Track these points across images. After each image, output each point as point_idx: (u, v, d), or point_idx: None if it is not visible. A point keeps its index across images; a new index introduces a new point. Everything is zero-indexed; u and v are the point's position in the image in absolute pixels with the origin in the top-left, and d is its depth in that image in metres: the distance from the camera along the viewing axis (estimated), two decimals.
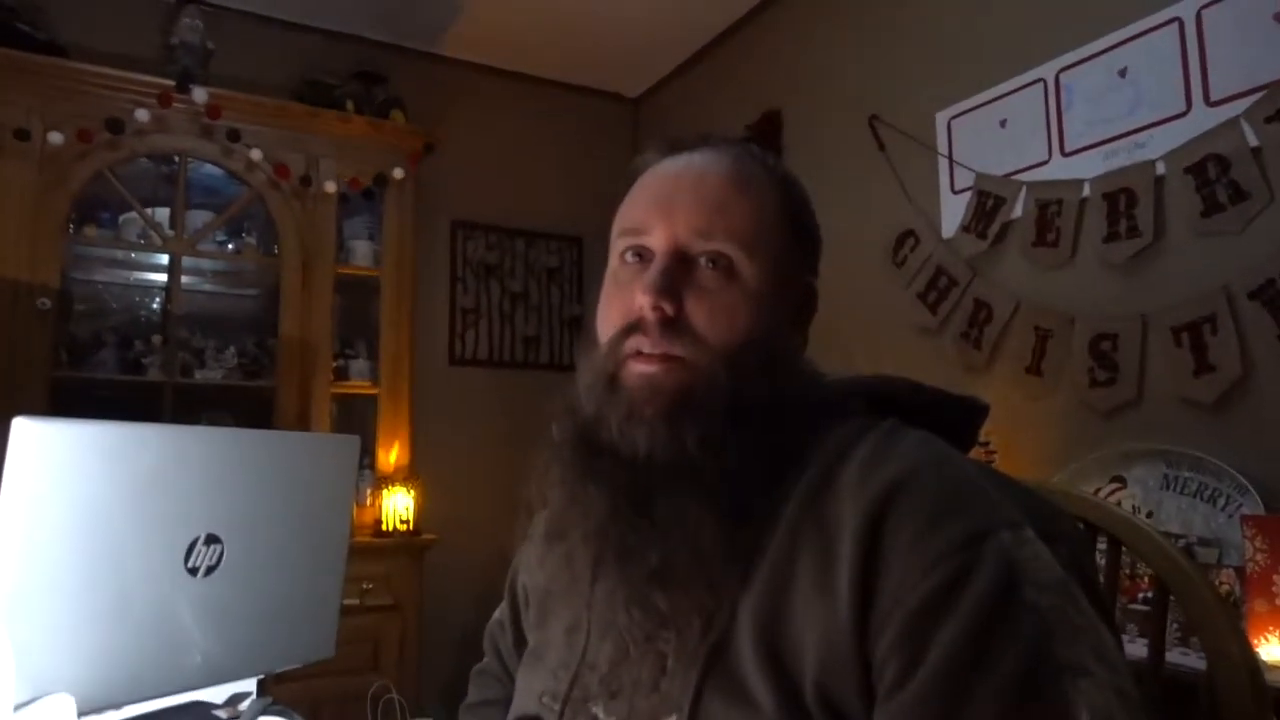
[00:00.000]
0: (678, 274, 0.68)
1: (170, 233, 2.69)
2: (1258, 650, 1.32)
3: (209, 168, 2.77)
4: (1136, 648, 1.27)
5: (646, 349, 0.67)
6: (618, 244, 0.74)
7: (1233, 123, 1.69)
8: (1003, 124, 2.18)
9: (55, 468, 0.68)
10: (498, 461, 3.03)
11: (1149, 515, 1.68)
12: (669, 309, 0.66)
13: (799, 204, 0.76)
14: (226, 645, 0.78)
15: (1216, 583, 1.52)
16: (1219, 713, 0.77)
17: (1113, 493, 1.77)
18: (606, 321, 0.71)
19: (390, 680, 2.39)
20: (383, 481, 2.86)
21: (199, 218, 2.76)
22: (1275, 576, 1.39)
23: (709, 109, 3.33)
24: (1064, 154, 2.03)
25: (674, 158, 0.74)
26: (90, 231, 2.62)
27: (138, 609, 0.71)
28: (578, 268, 3.64)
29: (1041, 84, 2.09)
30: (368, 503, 2.85)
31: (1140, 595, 1.56)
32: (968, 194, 2.24)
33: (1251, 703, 0.75)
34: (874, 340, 2.44)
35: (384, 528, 2.82)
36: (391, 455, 2.90)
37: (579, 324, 3.55)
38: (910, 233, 2.40)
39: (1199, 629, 0.82)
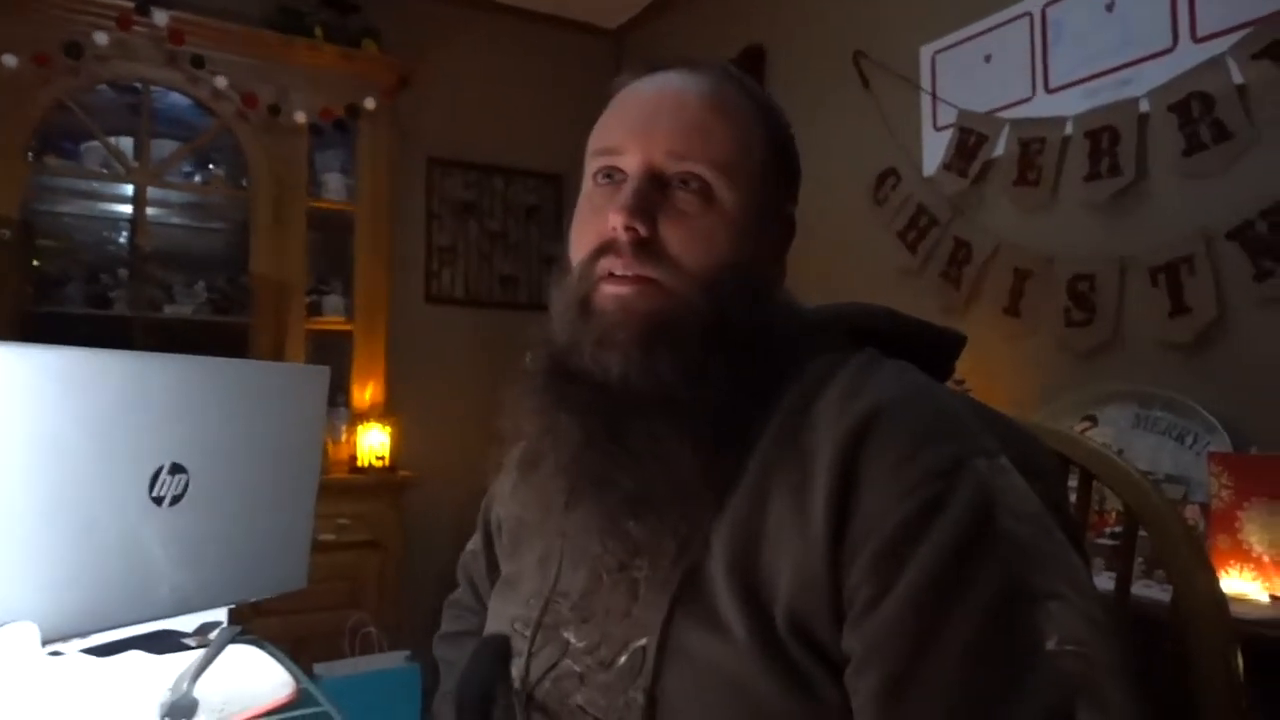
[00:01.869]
0: (652, 195, 0.66)
1: (134, 163, 2.61)
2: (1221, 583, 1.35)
3: (174, 96, 2.69)
4: (1103, 580, 1.30)
5: (619, 270, 0.65)
6: (591, 165, 0.71)
7: (1218, 60, 1.67)
8: (987, 59, 2.14)
9: (15, 394, 0.66)
10: (476, 400, 3.01)
11: (1119, 453, 1.70)
12: (643, 230, 0.64)
13: (779, 130, 0.73)
14: (194, 575, 0.77)
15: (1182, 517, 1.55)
16: (1184, 642, 0.79)
17: (1084, 431, 1.78)
18: (579, 244, 0.69)
19: (370, 615, 2.42)
20: (358, 418, 2.85)
21: (165, 148, 2.69)
22: (1238, 512, 1.41)
23: (690, 42, 3.26)
24: (1048, 90, 2.00)
25: (651, 77, 0.72)
26: (52, 161, 2.55)
27: (102, 538, 0.70)
28: (557, 206, 3.58)
29: (1028, 18, 2.05)
30: (343, 439, 2.84)
31: (1108, 529, 1.59)
32: (950, 131, 2.22)
33: (1216, 633, 0.77)
34: (854, 280, 2.43)
35: (360, 464, 2.82)
36: (367, 392, 2.89)
37: (557, 261, 3.51)
38: (892, 170, 2.38)
39: (1166, 561, 0.83)
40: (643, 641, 0.61)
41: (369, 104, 2.86)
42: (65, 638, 0.69)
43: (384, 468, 2.83)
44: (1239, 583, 1.38)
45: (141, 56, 2.57)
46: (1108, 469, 0.88)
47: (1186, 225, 1.72)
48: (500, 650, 0.69)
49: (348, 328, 2.90)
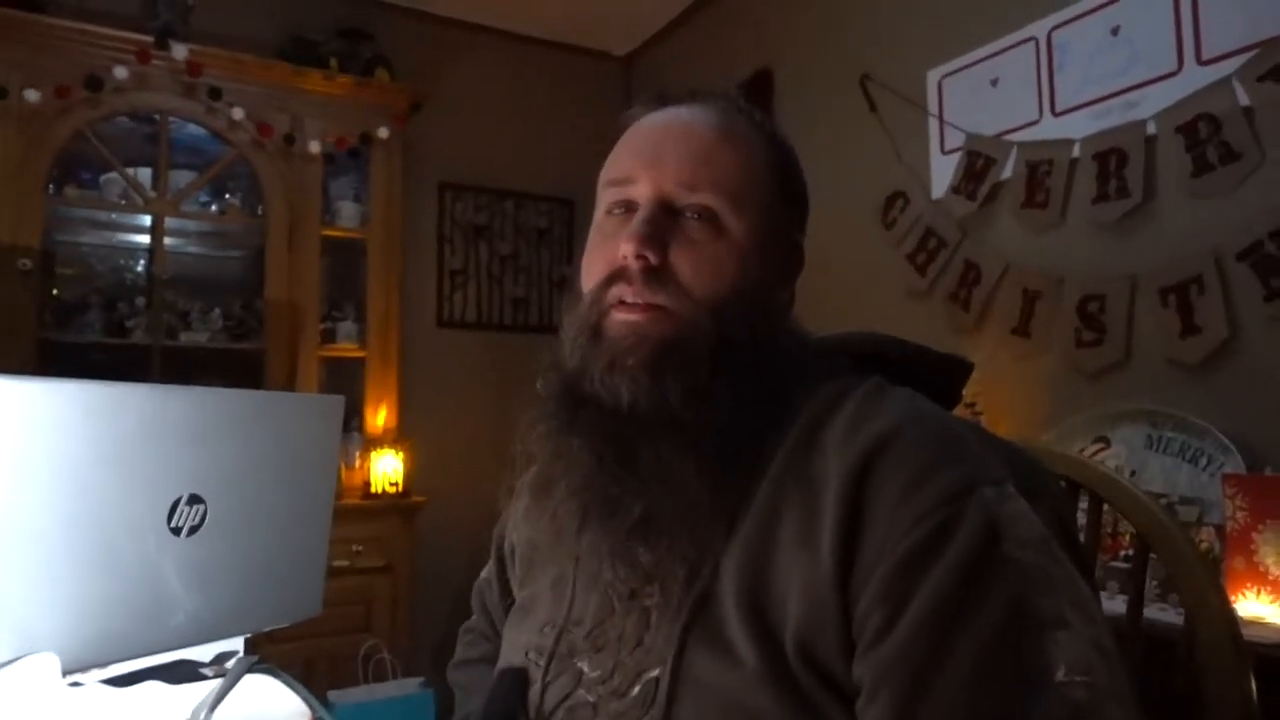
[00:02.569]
0: (663, 224, 0.67)
1: (152, 193, 2.65)
2: (1235, 607, 1.34)
3: (191, 127, 2.73)
4: (1116, 604, 1.29)
5: (629, 298, 0.66)
6: (603, 196, 0.73)
7: (1224, 82, 1.68)
8: (994, 83, 2.16)
9: (34, 427, 0.67)
10: (487, 424, 3.03)
11: (1132, 474, 1.69)
12: (653, 258, 0.66)
13: (787, 160, 0.75)
14: (211, 604, 0.78)
15: (1196, 540, 1.54)
16: (1198, 666, 0.78)
17: (1096, 453, 1.78)
18: (590, 273, 0.71)
19: (382, 641, 2.42)
20: (371, 444, 2.86)
21: (182, 178, 2.73)
22: (1254, 534, 1.40)
23: (700, 67, 3.29)
24: (1055, 114, 2.01)
25: (661, 110, 0.74)
26: (71, 192, 2.58)
27: (121, 569, 0.71)
28: (568, 229, 3.61)
29: (1034, 42, 2.06)
30: (356, 465, 2.86)
31: (1121, 553, 1.58)
32: (958, 154, 2.23)
33: (1231, 656, 0.76)
34: (863, 302, 2.43)
35: (373, 490, 2.83)
36: (380, 417, 2.90)
37: (569, 286, 3.53)
38: (900, 194, 2.39)
39: (1179, 584, 0.83)
40: (655, 672, 0.61)
41: (382, 132, 2.90)
42: (85, 668, 0.70)
43: (397, 493, 2.84)
44: (1255, 605, 1.37)
45: (160, 88, 2.62)
46: (1117, 493, 0.88)
47: (1196, 245, 1.72)
48: (519, 683, 0.69)
49: (361, 354, 2.92)
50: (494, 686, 0.70)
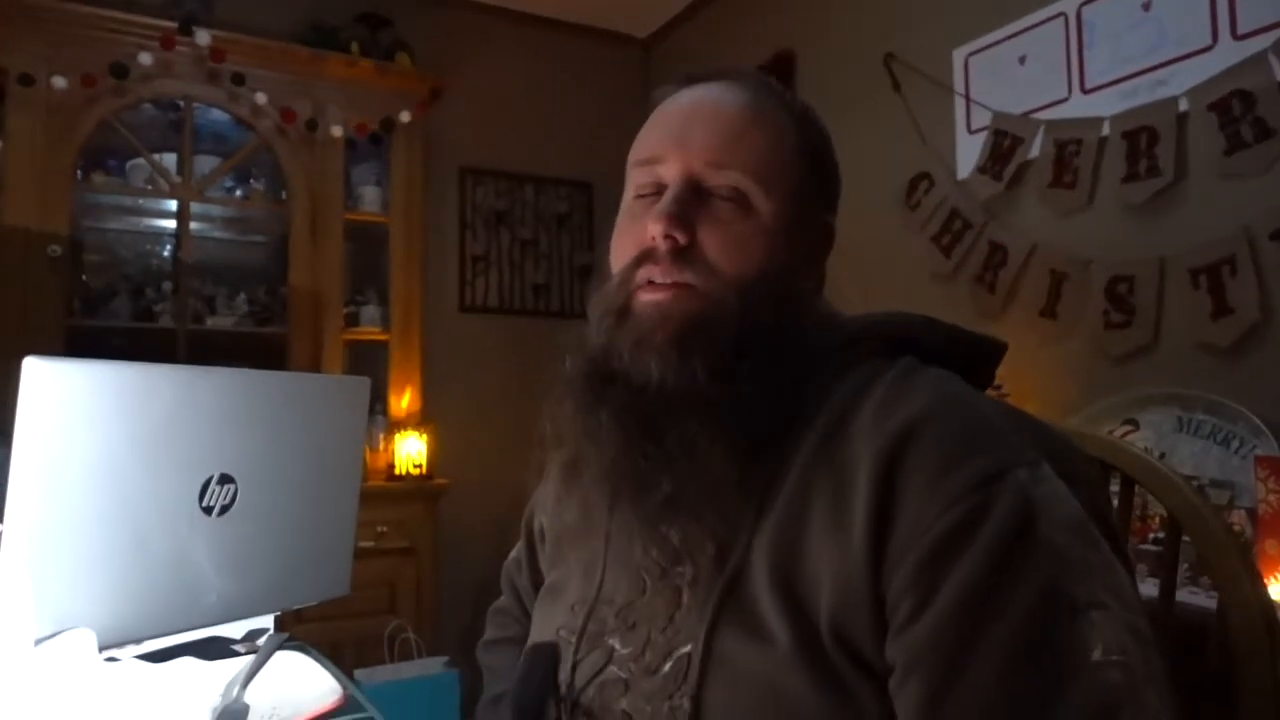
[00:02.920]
0: (691, 204, 0.67)
1: (178, 179, 2.67)
2: (1268, 590, 1.32)
3: (215, 113, 2.75)
4: (1147, 587, 1.28)
5: (658, 278, 0.66)
6: (632, 176, 0.72)
7: (1260, 57, 1.64)
8: (1021, 61, 2.12)
9: (68, 408, 0.68)
10: (510, 408, 3.04)
11: (1161, 457, 1.67)
12: (681, 238, 0.65)
13: (817, 139, 0.74)
14: (242, 583, 0.79)
15: (1229, 524, 1.52)
16: (1230, 650, 0.77)
17: (1124, 435, 1.76)
18: (619, 253, 0.71)
19: (408, 622, 2.45)
20: (395, 426, 2.88)
21: (206, 164, 2.75)
22: None
23: (720, 50, 3.26)
24: (1084, 91, 1.98)
25: (690, 89, 0.73)
26: (98, 179, 2.61)
27: (154, 547, 0.72)
28: (588, 214, 3.60)
29: (1063, 18, 2.03)
30: (381, 448, 2.88)
31: (1151, 536, 1.56)
32: (984, 134, 2.20)
33: (1264, 640, 0.75)
34: (887, 285, 2.41)
35: (397, 472, 2.85)
36: (404, 401, 2.92)
37: (589, 271, 3.52)
38: (925, 175, 2.36)
39: (1211, 567, 0.82)
40: (687, 649, 0.61)
41: (403, 117, 2.90)
42: (121, 644, 0.71)
43: (421, 475, 2.86)
44: None
45: (184, 75, 2.63)
46: (1149, 474, 0.87)
47: (1228, 225, 1.69)
48: (552, 657, 0.70)
49: (384, 338, 2.93)
50: (527, 662, 0.71)
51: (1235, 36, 1.70)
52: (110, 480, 0.70)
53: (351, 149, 2.90)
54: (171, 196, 2.69)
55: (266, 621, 0.87)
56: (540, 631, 0.76)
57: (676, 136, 0.69)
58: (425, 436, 2.89)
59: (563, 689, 0.68)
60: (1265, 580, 1.34)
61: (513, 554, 0.95)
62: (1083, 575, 0.54)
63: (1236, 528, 1.52)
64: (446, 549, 2.93)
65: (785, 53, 2.90)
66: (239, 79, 2.65)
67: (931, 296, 2.31)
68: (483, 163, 3.41)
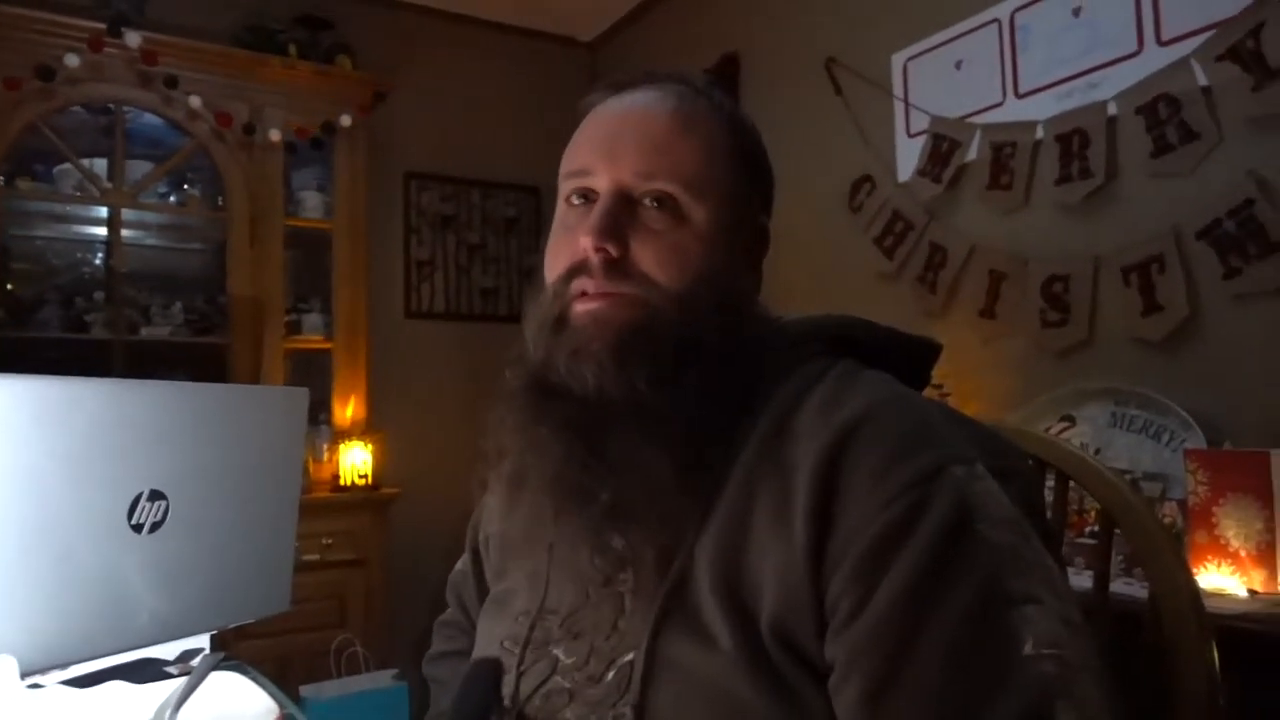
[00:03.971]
0: (622, 215, 0.67)
1: (109, 184, 2.59)
2: (1198, 579, 1.37)
3: (149, 117, 2.68)
4: (1083, 579, 1.31)
5: (591, 289, 0.66)
6: (563, 187, 0.72)
7: (1183, 62, 1.70)
8: (958, 65, 2.17)
9: None
10: (459, 414, 3.01)
11: (1097, 452, 1.72)
12: (613, 250, 0.65)
13: (748, 141, 0.74)
14: (176, 602, 0.76)
15: (1160, 515, 1.57)
16: (1162, 639, 0.80)
17: (1062, 431, 1.80)
18: (553, 265, 0.70)
19: (357, 635, 2.40)
20: (340, 436, 2.83)
21: (139, 169, 2.67)
22: (1215, 509, 1.43)
23: (665, 53, 3.28)
24: (1018, 95, 2.03)
25: (618, 97, 0.73)
26: (25, 185, 2.52)
27: (80, 567, 0.69)
28: (535, 218, 3.59)
29: (996, 24, 2.08)
30: (325, 458, 2.83)
31: (1087, 529, 1.61)
32: (923, 137, 2.24)
33: (1194, 628, 0.78)
34: (832, 286, 2.44)
35: (343, 482, 2.80)
36: (348, 410, 2.87)
37: (535, 277, 3.50)
38: (867, 177, 2.40)
39: (1144, 559, 0.84)
40: (630, 656, 0.61)
41: (345, 121, 2.85)
42: (45, 669, 0.68)
43: (367, 485, 2.82)
44: (1217, 578, 1.40)
45: (114, 78, 2.56)
46: (1083, 470, 0.89)
47: (1157, 225, 1.74)
48: (494, 673, 0.69)
49: (328, 346, 2.88)
50: (467, 678, 0.70)
51: (1160, 42, 1.75)
52: (32, 499, 0.67)
53: (292, 153, 2.84)
54: (103, 203, 2.61)
55: (202, 641, 0.84)
56: (485, 642, 0.75)
57: (606, 148, 0.69)
58: (371, 446, 2.85)
59: (507, 700, 0.67)
60: (1195, 570, 1.39)
61: (458, 566, 0.94)
62: (1018, 570, 0.55)
63: (1168, 519, 1.57)
64: (398, 559, 2.89)
65: (730, 56, 2.93)
66: (172, 82, 2.58)
67: (877, 297, 2.34)
68: (428, 167, 3.37)
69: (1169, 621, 0.79)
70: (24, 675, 0.63)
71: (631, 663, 0.61)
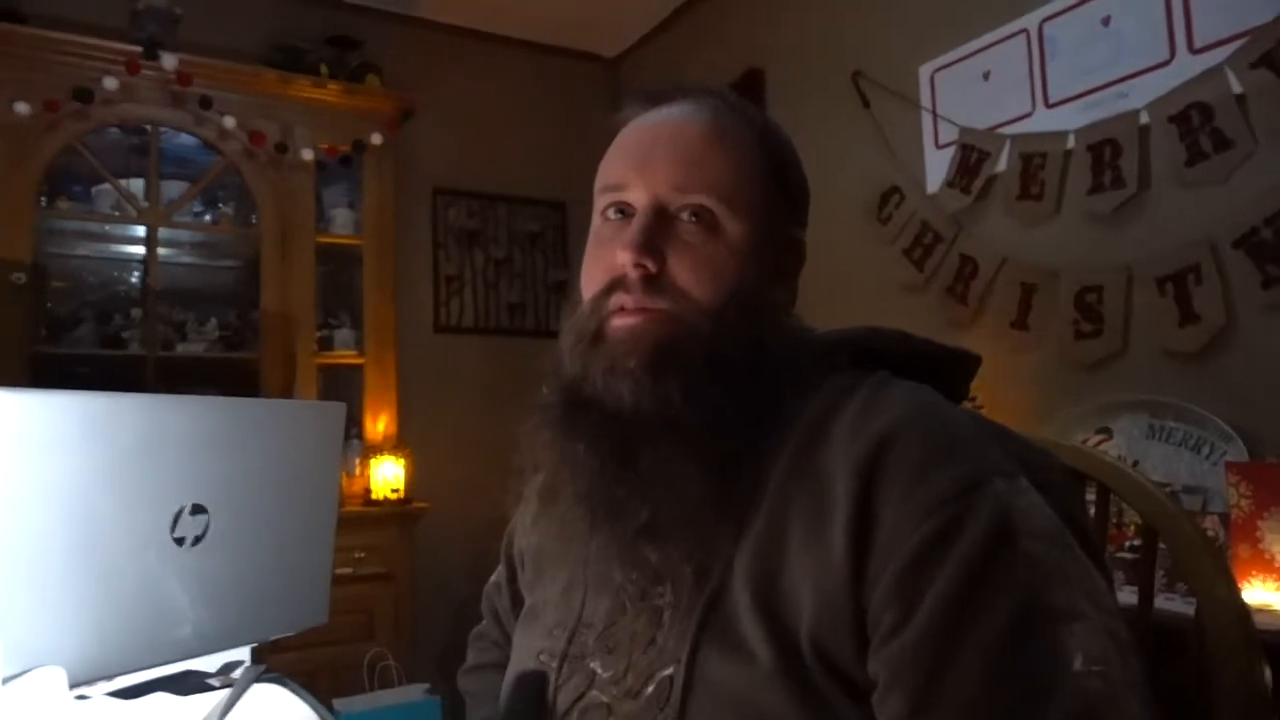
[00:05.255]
0: (659, 230, 0.67)
1: (145, 204, 2.64)
2: (1242, 594, 1.34)
3: (182, 137, 2.72)
4: (1124, 594, 1.29)
5: (629, 304, 0.66)
6: (599, 201, 0.72)
7: (1216, 70, 1.68)
8: (986, 76, 2.16)
9: (32, 440, 0.66)
10: (486, 428, 3.02)
11: (1135, 464, 1.69)
12: (651, 266, 0.66)
13: (782, 155, 0.74)
14: (217, 614, 0.77)
15: (1201, 528, 1.54)
16: (1207, 654, 0.78)
17: (1098, 444, 1.78)
18: (590, 280, 0.71)
19: (387, 648, 2.41)
20: (371, 451, 2.85)
21: (174, 188, 2.71)
22: (1259, 522, 1.40)
23: (688, 68, 3.28)
24: (1048, 105, 2.01)
25: (652, 111, 0.73)
26: (63, 204, 2.57)
27: (125, 581, 0.70)
28: (560, 233, 3.61)
29: (1025, 35, 2.07)
30: (357, 472, 2.85)
31: (1126, 543, 1.58)
32: (951, 148, 2.23)
33: (1239, 644, 0.76)
34: (859, 299, 2.43)
35: (374, 497, 2.82)
36: (379, 424, 2.89)
37: (564, 289, 3.52)
38: (895, 189, 2.39)
39: (1186, 573, 0.83)
40: (669, 670, 0.61)
41: (374, 139, 2.89)
42: (92, 681, 0.69)
43: (398, 499, 2.83)
44: (1262, 593, 1.37)
45: (149, 99, 2.60)
46: (1123, 482, 0.88)
47: (1192, 234, 1.72)
48: (539, 684, 0.69)
49: (359, 361, 2.91)
50: (513, 689, 0.70)
51: (1192, 50, 1.74)
52: (78, 514, 0.68)
53: (322, 171, 2.88)
54: (139, 222, 2.66)
55: (243, 654, 0.85)
56: (521, 655, 0.75)
57: (640, 162, 0.69)
58: (402, 460, 2.86)
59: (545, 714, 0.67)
60: (1240, 584, 1.36)
61: (493, 578, 0.94)
62: (1061, 584, 0.54)
63: (1210, 533, 1.54)
64: (425, 573, 2.90)
65: (753, 71, 2.93)
66: (206, 102, 2.63)
67: (903, 308, 2.33)
68: (454, 183, 3.40)
69: (1214, 638, 0.78)
70: (72, 687, 0.64)
71: (670, 677, 0.61)
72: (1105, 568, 0.62)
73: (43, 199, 2.51)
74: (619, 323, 0.67)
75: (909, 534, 0.55)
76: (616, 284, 0.67)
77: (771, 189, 0.72)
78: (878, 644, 0.55)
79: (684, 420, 0.63)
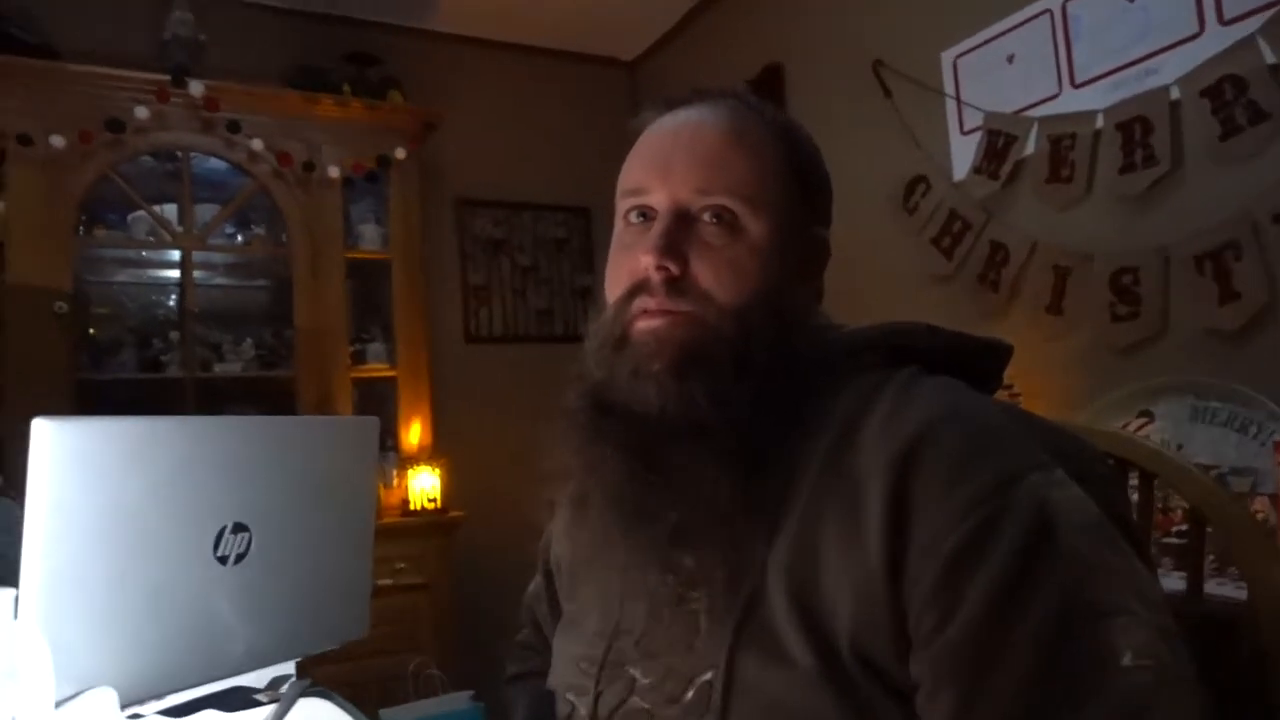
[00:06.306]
0: (681, 233, 0.67)
1: (179, 228, 2.69)
2: None
3: (212, 161, 2.77)
4: (1172, 581, 1.26)
5: (653, 307, 0.66)
6: (621, 205, 0.73)
7: (1248, 41, 1.64)
8: (1010, 59, 2.13)
9: (76, 467, 0.67)
10: (520, 435, 3.00)
11: (1179, 448, 1.66)
12: (674, 268, 0.66)
13: (802, 153, 0.74)
14: (262, 630, 0.78)
15: (1252, 511, 1.50)
16: (1262, 639, 0.76)
17: (1140, 428, 1.74)
18: (613, 284, 0.71)
19: (430, 657, 2.43)
20: (407, 462, 2.88)
21: (206, 212, 2.76)
22: None
23: (707, 68, 3.28)
24: (1074, 85, 1.98)
25: (671, 114, 0.73)
26: (100, 232, 2.63)
27: (171, 600, 0.72)
28: (586, 238, 3.62)
29: (1048, 15, 2.03)
30: (394, 484, 2.88)
31: (1174, 529, 1.55)
32: (977, 134, 2.20)
33: None
34: (888, 292, 2.41)
35: (412, 507, 2.84)
36: (414, 435, 2.92)
37: (590, 294, 3.53)
38: (921, 178, 2.36)
39: (1237, 557, 0.81)
40: (708, 675, 0.61)
41: (399, 153, 2.92)
42: (142, 700, 0.70)
43: (435, 509, 2.85)
44: None
45: (179, 125, 2.65)
46: (1167, 467, 0.86)
47: (1229, 210, 1.68)
48: (552, 708, 0.70)
49: (391, 374, 2.94)
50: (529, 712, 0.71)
51: (1222, 21, 1.70)
52: (124, 536, 0.70)
53: (349, 187, 2.91)
54: (174, 246, 2.71)
55: (288, 668, 0.86)
56: (561, 663, 0.75)
57: (660, 165, 0.69)
58: (438, 470, 2.89)
59: None
60: None
61: (531, 586, 0.95)
62: (1105, 579, 0.53)
63: (1260, 515, 1.50)
64: (465, 581, 2.92)
65: (772, 67, 2.92)
66: (234, 126, 2.67)
67: (933, 299, 2.30)
68: (478, 193, 3.42)
69: (1269, 622, 0.76)
70: (123, 706, 0.65)
71: (710, 682, 0.60)
72: (1149, 558, 0.61)
73: (80, 228, 2.57)
74: (643, 325, 0.67)
75: (947, 535, 0.54)
76: (640, 287, 0.67)
77: (793, 187, 0.71)
78: (920, 645, 0.54)
79: (711, 422, 0.63)
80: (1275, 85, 1.61)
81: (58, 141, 2.43)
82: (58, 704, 0.61)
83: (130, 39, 2.77)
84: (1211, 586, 1.32)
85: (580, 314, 3.52)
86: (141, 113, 2.53)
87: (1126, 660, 0.50)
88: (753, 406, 0.63)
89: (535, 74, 3.57)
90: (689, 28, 3.41)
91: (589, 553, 0.72)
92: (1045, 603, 0.51)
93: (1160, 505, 1.55)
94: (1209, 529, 0.84)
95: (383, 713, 1.74)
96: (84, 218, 2.59)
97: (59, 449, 0.66)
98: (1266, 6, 1.62)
